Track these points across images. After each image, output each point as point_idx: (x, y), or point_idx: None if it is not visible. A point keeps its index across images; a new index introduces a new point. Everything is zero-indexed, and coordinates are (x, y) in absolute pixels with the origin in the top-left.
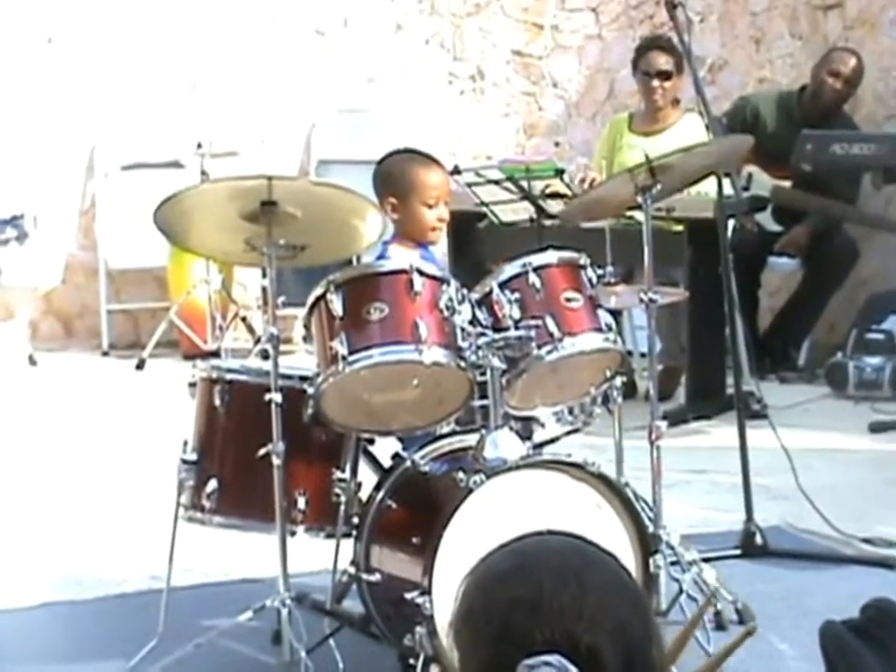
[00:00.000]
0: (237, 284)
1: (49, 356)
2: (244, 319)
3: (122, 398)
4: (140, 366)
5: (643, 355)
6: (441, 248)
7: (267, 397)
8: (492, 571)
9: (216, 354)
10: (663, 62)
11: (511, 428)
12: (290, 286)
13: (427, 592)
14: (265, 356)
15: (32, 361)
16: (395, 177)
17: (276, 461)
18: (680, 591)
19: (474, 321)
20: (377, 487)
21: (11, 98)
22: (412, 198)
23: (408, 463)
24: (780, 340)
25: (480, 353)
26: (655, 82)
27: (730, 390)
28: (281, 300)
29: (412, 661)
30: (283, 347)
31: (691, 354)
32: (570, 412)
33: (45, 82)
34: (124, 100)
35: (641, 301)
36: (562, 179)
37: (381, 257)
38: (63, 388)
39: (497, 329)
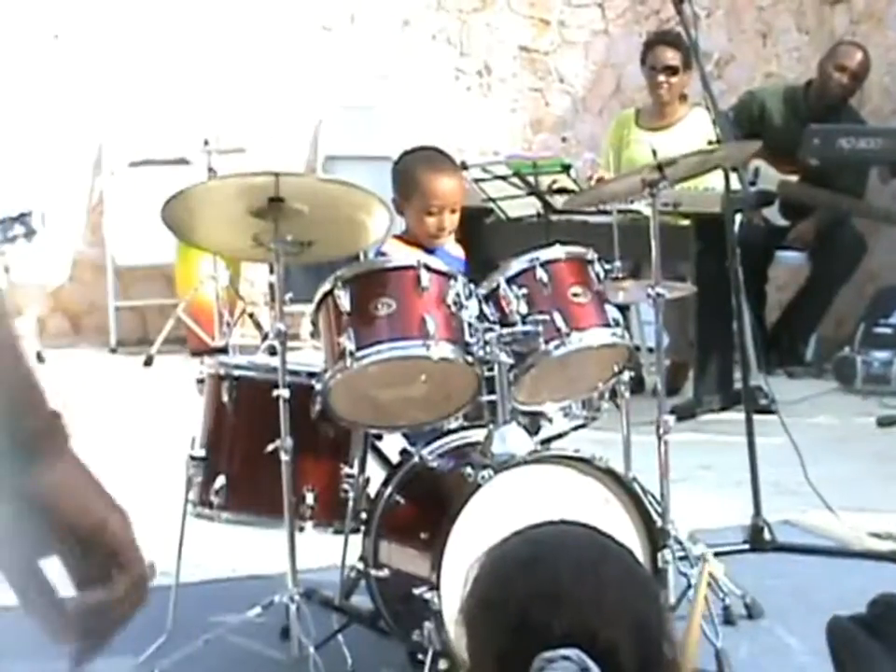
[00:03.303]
0: (244, 280)
1: (57, 353)
2: (251, 315)
3: (130, 394)
4: (148, 363)
5: (651, 350)
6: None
7: (275, 393)
8: (508, 560)
9: (223, 350)
10: (669, 56)
11: (518, 423)
12: (298, 282)
13: (435, 587)
14: (273, 352)
15: (40, 358)
16: (403, 177)
17: (284, 457)
18: (689, 586)
19: (482, 316)
20: (385, 483)
21: (18, 95)
22: (414, 202)
23: (416, 458)
24: (788, 334)
25: (487, 348)
26: (662, 77)
27: (738, 385)
28: (288, 296)
29: (420, 656)
30: (290, 343)
31: (698, 349)
32: (579, 406)
33: (52, 79)
34: (131, 97)
35: (648, 295)
36: (569, 175)
37: (378, 253)
38: (72, 385)
39: (504, 325)
